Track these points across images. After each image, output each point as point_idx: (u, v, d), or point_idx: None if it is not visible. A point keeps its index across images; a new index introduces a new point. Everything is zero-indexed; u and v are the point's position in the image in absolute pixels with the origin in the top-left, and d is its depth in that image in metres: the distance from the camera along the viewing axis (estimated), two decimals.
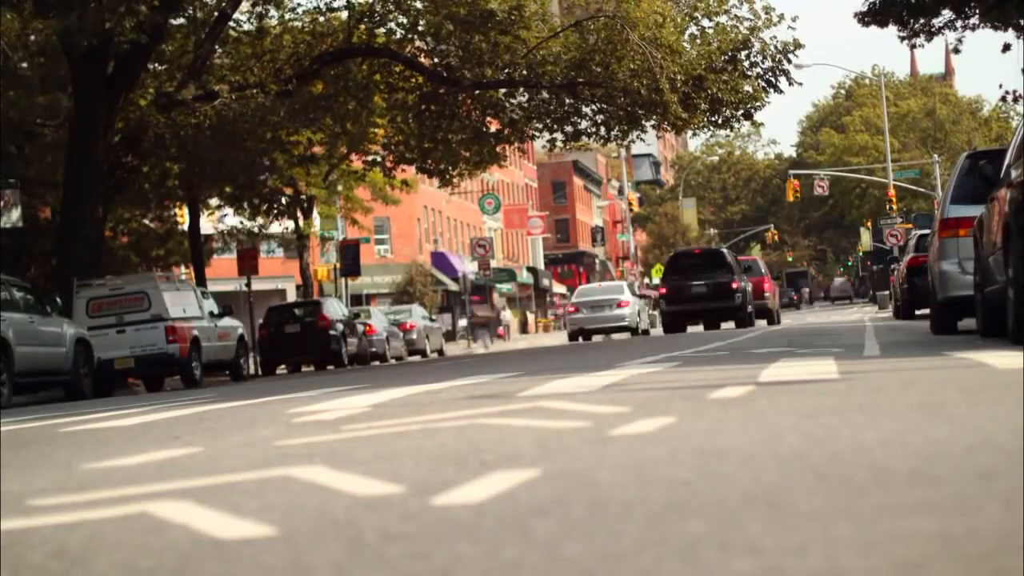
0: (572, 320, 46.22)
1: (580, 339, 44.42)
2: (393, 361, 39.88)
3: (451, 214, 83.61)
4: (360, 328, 38.47)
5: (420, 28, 33.22)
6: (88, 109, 28.43)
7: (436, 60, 33.51)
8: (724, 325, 39.57)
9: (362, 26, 33.20)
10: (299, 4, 40.58)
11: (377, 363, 37.77)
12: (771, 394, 7.17)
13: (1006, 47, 30.21)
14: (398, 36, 33.78)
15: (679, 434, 5.20)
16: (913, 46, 31.12)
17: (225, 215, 43.14)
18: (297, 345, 34.92)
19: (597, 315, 45.33)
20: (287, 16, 34.16)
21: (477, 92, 33.73)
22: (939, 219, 17.12)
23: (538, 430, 5.78)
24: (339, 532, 3.24)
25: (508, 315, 79.18)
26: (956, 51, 31.81)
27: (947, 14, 29.59)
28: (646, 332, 46.64)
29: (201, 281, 36.20)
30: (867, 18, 29.56)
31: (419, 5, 33.15)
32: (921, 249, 27.46)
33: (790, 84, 33.85)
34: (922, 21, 29.68)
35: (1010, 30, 29.21)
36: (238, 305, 34.25)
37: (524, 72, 32.75)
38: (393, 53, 33.29)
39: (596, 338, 44.39)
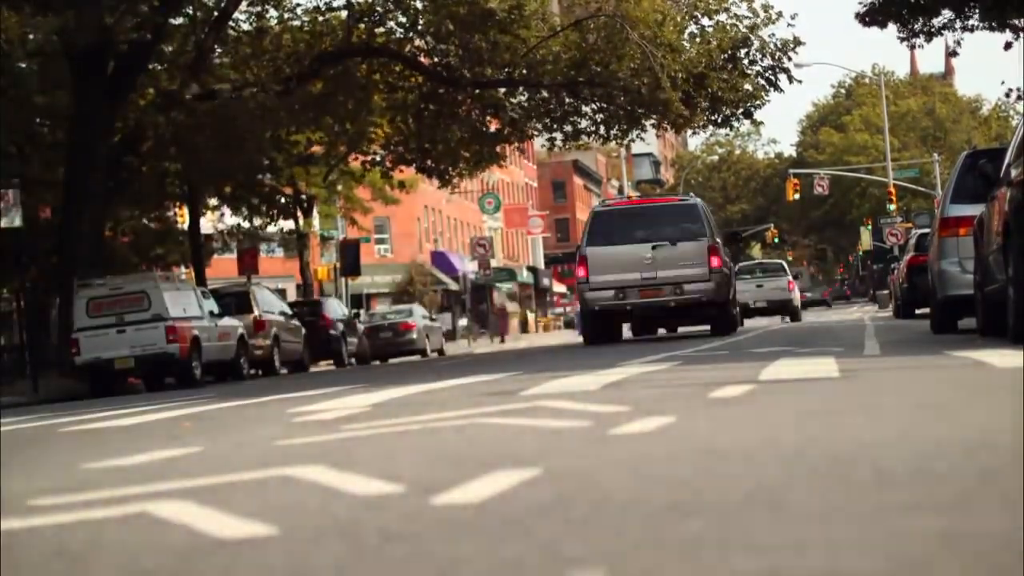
0: None
1: None
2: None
3: (451, 214, 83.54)
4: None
5: (420, 27, 33.18)
6: (88, 109, 28.39)
7: (436, 60, 33.46)
8: None
9: (362, 25, 33.15)
10: (298, 3, 40.53)
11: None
12: (771, 393, 7.16)
13: (1007, 45, 30.18)
14: (398, 35, 33.72)
15: (679, 434, 5.20)
16: (913, 46, 31.10)
17: (223, 215, 43.12)
18: None
19: None
20: (287, 15, 34.14)
21: (477, 92, 33.69)
22: (939, 218, 17.13)
23: (538, 430, 5.78)
24: (339, 532, 3.24)
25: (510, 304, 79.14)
26: (954, 54, 31.79)
27: (947, 14, 29.57)
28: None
29: (201, 281, 36.15)
30: (867, 18, 29.54)
31: (419, 4, 33.10)
32: (921, 248, 27.43)
33: (790, 82, 33.81)
34: (922, 21, 29.66)
35: (1007, 31, 29.20)
36: None
37: (524, 72, 32.72)
38: (393, 52, 33.25)
39: None
